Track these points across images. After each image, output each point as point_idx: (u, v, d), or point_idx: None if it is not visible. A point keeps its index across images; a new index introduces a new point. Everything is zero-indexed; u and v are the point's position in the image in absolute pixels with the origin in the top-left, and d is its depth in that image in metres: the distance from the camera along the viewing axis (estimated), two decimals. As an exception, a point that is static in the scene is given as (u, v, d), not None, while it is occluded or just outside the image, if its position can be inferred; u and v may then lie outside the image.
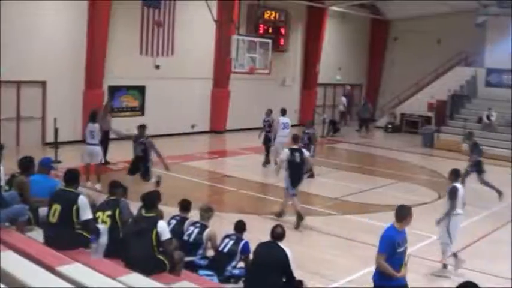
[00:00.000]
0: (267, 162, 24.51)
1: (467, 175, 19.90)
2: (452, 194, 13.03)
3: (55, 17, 25.64)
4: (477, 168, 20.37)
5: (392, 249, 8.95)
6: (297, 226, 15.80)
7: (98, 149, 18.98)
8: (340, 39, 42.83)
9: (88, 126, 19.02)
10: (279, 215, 16.46)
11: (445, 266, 13.06)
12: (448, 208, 13.02)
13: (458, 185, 13.27)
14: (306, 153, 16.89)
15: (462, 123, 33.08)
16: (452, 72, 39.51)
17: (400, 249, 9.05)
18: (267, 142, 24.60)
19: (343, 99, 40.27)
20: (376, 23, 45.28)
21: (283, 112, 24.43)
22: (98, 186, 18.01)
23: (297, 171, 16.46)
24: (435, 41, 41.96)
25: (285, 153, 16.63)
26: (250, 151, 24.60)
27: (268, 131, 24.68)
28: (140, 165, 17.42)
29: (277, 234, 9.84)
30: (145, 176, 17.28)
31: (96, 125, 18.83)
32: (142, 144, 17.52)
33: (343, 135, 36.20)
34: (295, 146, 16.80)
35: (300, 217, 15.92)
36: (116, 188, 10.92)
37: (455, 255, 12.82)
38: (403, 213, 9.30)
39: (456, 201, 12.98)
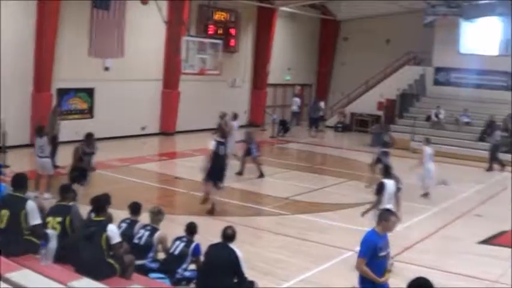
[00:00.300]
0: None
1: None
2: (379, 189, 13.72)
3: (2, 18, 25.22)
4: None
5: (373, 253, 8.89)
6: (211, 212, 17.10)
7: (49, 161, 18.61)
8: (291, 39, 42.97)
9: (37, 141, 18.68)
10: (203, 202, 17.75)
11: None
12: (375, 202, 13.59)
13: (386, 181, 13.87)
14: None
15: (411, 121, 33.46)
16: (401, 72, 39.93)
17: (382, 254, 8.99)
18: None
19: (297, 100, 40.40)
20: (326, 24, 45.48)
21: (235, 117, 24.63)
22: (46, 195, 17.60)
23: (219, 163, 17.15)
24: (384, 40, 42.40)
25: (212, 144, 17.24)
26: (200, 153, 24.49)
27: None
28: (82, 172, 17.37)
29: (228, 235, 9.85)
30: (83, 180, 17.21)
31: (44, 139, 18.49)
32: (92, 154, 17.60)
33: (294, 135, 36.33)
34: (222, 140, 17.42)
35: (213, 208, 17.23)
36: (67, 192, 10.75)
37: None
38: (382, 217, 9.23)
39: (382, 196, 13.59)
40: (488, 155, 27.86)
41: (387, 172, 14.31)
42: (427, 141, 21.50)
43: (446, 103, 35.13)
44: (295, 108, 40.16)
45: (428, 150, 21.02)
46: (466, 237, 16.01)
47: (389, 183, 13.85)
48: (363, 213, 13.78)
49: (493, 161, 27.61)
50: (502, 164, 27.53)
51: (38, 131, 18.80)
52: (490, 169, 27.28)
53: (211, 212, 16.98)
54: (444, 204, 19.56)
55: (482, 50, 38.32)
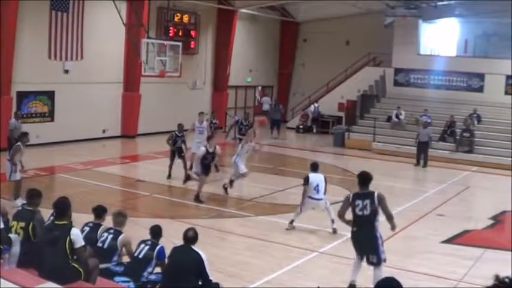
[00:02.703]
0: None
1: None
2: (305, 180, 16.20)
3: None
4: None
5: None
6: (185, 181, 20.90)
7: (9, 164, 18.15)
8: (251, 41, 43.06)
9: None
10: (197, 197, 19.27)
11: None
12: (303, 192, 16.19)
13: (310, 174, 16.32)
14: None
15: (372, 122, 33.68)
16: (361, 73, 40.21)
17: None
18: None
19: (267, 99, 40.50)
20: (286, 25, 45.72)
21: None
22: (18, 201, 16.96)
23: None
24: (344, 42, 42.79)
25: (201, 150, 19.54)
26: (162, 155, 24.46)
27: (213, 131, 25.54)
28: None
29: (189, 237, 9.74)
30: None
31: None
32: None
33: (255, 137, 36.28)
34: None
35: (188, 178, 20.87)
36: (34, 197, 10.53)
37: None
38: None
39: (307, 186, 16.03)
40: (417, 151, 28.62)
41: (314, 167, 16.76)
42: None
43: (407, 104, 35.44)
44: (266, 107, 40.24)
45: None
46: (429, 237, 16.14)
47: (315, 176, 16.32)
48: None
49: (420, 156, 28.43)
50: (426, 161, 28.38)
51: None
52: (417, 164, 27.78)
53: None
54: (407, 204, 19.67)
55: (441, 51, 38.81)
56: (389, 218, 11.62)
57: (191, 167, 23.21)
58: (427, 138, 28.27)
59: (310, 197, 15.96)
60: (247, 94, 44.39)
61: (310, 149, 32.40)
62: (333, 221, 15.49)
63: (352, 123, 36.14)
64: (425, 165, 28.09)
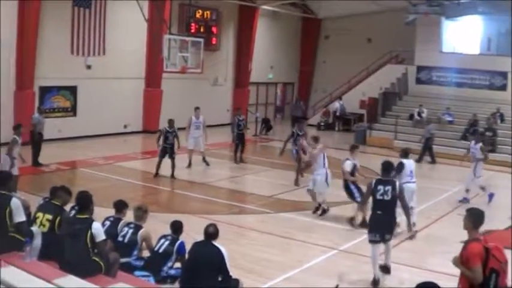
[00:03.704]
0: (236, 160, 25.63)
1: None
2: (398, 168, 15.46)
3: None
4: None
5: None
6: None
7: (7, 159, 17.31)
8: (272, 37, 43.04)
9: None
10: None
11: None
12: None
13: (403, 160, 16.18)
14: None
15: (393, 120, 33.56)
16: (383, 70, 40.01)
17: None
18: (238, 140, 25.80)
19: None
20: (308, 22, 45.57)
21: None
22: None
23: None
24: (366, 39, 42.55)
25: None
26: (183, 151, 24.46)
27: (241, 129, 25.81)
28: None
29: (210, 233, 9.75)
30: None
31: None
32: None
33: (276, 134, 36.34)
34: None
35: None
36: (58, 192, 10.51)
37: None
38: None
39: (401, 173, 15.66)
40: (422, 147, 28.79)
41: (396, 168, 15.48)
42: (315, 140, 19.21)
43: (429, 102, 35.22)
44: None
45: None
46: (450, 236, 15.97)
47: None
48: None
49: (425, 152, 28.70)
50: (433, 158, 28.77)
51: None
52: (420, 160, 27.74)
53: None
54: (428, 203, 19.50)
55: (463, 49, 38.54)
56: (405, 208, 12.54)
57: (189, 164, 23.25)
58: (428, 134, 28.35)
59: (408, 182, 15.74)
60: (268, 91, 44.38)
61: (331, 146, 32.24)
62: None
63: (373, 121, 36.01)
64: (433, 161, 28.50)
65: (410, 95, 37.91)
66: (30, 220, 10.12)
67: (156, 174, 21.89)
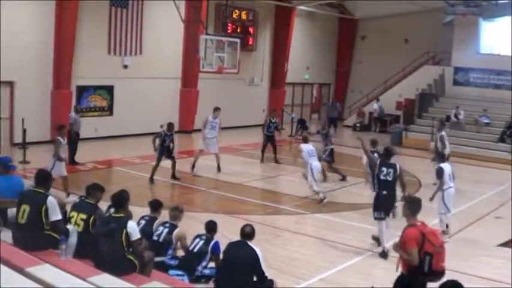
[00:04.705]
0: (262, 160, 25.86)
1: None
2: (439, 173, 15.67)
3: (22, 17, 25.33)
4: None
5: None
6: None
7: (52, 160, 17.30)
8: (309, 38, 42.95)
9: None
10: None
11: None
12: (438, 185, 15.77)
13: (442, 165, 15.92)
14: None
15: (430, 121, 33.34)
16: (420, 71, 39.70)
17: None
18: (267, 141, 25.75)
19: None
20: (344, 22, 45.39)
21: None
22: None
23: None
24: (402, 40, 42.25)
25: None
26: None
27: (271, 131, 25.83)
28: None
29: (247, 233, 9.81)
30: None
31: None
32: None
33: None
34: None
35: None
36: (96, 191, 10.46)
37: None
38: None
39: (442, 178, 15.53)
40: None
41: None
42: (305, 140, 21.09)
43: (466, 103, 34.97)
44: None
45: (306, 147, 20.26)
46: (486, 239, 15.85)
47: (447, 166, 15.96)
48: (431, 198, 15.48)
49: None
50: None
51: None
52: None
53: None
54: (464, 205, 19.33)
55: (501, 50, 38.13)
56: (403, 186, 14.28)
57: (193, 167, 23.03)
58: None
59: (450, 187, 15.63)
60: (304, 91, 44.33)
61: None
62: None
63: (410, 122, 35.84)
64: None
65: (447, 97, 37.64)
66: (65, 219, 10.20)
67: (151, 179, 20.87)
